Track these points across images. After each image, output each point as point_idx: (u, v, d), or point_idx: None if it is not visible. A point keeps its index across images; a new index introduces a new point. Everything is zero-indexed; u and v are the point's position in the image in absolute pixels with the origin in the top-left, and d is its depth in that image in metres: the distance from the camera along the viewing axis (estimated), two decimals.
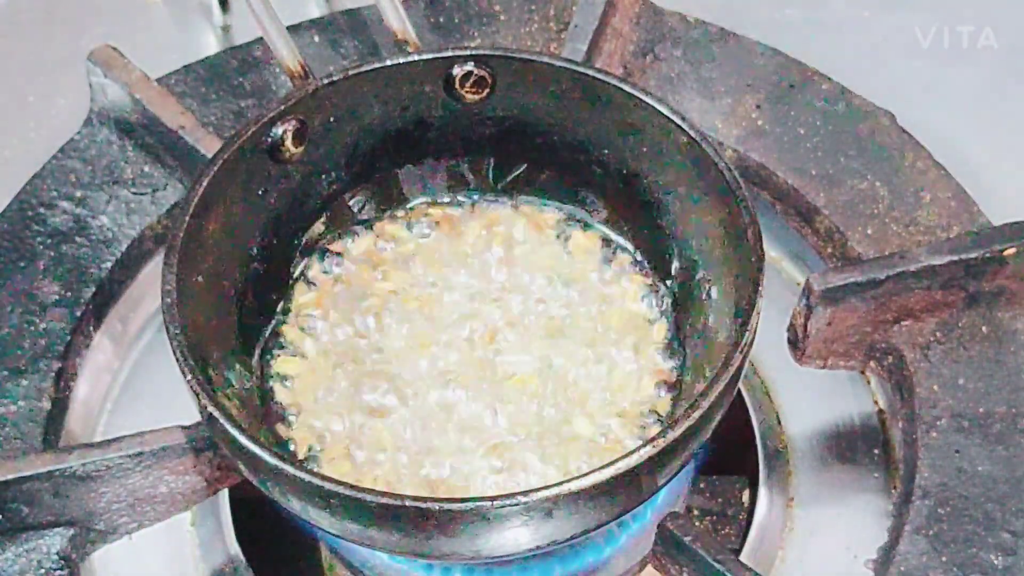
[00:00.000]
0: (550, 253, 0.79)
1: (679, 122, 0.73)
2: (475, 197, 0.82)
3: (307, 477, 0.63)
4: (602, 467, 0.63)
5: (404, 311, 0.77)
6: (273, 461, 0.63)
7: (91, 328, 0.83)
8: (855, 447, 0.83)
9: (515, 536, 0.64)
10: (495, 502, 0.62)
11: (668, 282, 0.78)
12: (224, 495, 0.81)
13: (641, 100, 0.75)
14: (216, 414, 0.65)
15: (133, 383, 0.87)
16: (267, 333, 0.77)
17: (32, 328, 0.81)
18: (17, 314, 0.81)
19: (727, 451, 0.82)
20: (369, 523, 0.63)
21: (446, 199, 0.82)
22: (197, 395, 0.66)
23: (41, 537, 0.73)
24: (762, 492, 0.82)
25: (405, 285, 0.78)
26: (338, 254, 0.79)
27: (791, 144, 0.87)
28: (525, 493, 0.62)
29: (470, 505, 0.62)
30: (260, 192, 0.76)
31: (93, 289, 0.83)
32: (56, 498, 0.73)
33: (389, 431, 0.73)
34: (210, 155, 0.74)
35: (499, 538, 0.63)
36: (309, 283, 0.78)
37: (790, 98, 0.89)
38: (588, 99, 0.76)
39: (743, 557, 0.78)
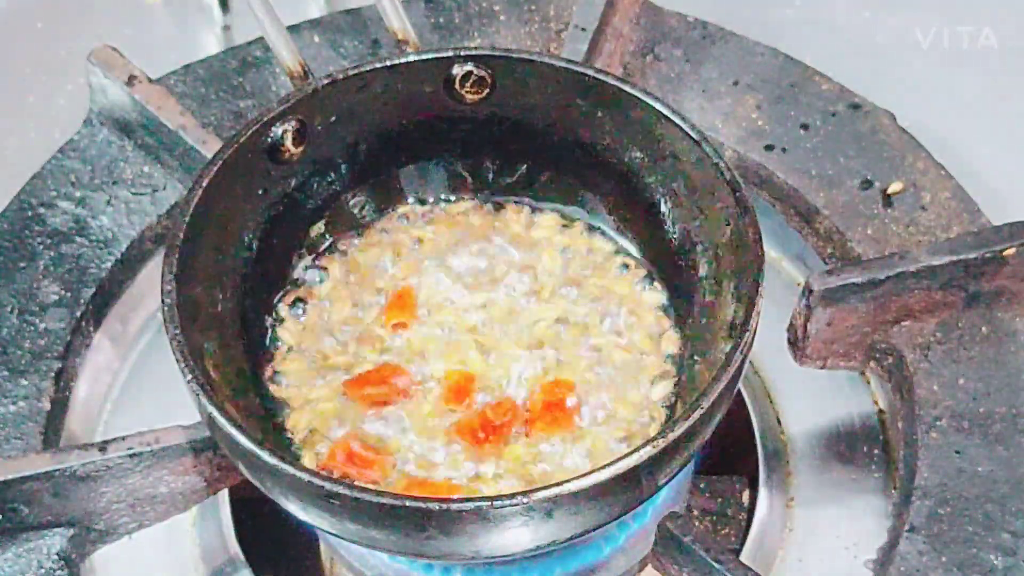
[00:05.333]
0: (550, 253, 0.79)
1: (679, 122, 0.73)
2: (475, 197, 0.82)
3: (307, 477, 0.63)
4: (602, 467, 0.63)
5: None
6: (273, 461, 0.63)
7: (91, 328, 0.83)
8: (855, 447, 0.83)
9: (515, 536, 0.64)
10: (495, 502, 0.62)
11: (668, 282, 0.78)
12: (224, 495, 0.81)
13: (641, 100, 0.75)
14: (216, 414, 0.65)
15: (133, 383, 0.87)
16: (267, 333, 0.77)
17: (32, 328, 0.81)
18: (17, 314, 0.81)
19: (727, 451, 0.82)
20: (369, 523, 0.63)
21: (446, 199, 0.82)
22: (197, 395, 0.66)
23: (41, 537, 0.73)
24: (762, 492, 0.82)
25: (406, 279, 0.78)
26: (343, 252, 0.80)
27: (791, 144, 0.87)
28: (525, 493, 0.62)
29: (470, 505, 0.62)
30: (260, 192, 0.76)
31: (93, 289, 0.83)
32: (56, 498, 0.73)
33: (392, 427, 0.73)
34: (210, 155, 0.74)
35: (499, 538, 0.63)
36: (308, 283, 0.79)
37: (790, 98, 0.89)
38: (588, 99, 0.76)
39: (743, 557, 0.78)
